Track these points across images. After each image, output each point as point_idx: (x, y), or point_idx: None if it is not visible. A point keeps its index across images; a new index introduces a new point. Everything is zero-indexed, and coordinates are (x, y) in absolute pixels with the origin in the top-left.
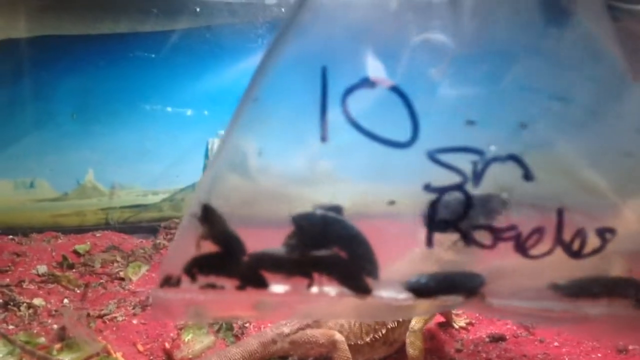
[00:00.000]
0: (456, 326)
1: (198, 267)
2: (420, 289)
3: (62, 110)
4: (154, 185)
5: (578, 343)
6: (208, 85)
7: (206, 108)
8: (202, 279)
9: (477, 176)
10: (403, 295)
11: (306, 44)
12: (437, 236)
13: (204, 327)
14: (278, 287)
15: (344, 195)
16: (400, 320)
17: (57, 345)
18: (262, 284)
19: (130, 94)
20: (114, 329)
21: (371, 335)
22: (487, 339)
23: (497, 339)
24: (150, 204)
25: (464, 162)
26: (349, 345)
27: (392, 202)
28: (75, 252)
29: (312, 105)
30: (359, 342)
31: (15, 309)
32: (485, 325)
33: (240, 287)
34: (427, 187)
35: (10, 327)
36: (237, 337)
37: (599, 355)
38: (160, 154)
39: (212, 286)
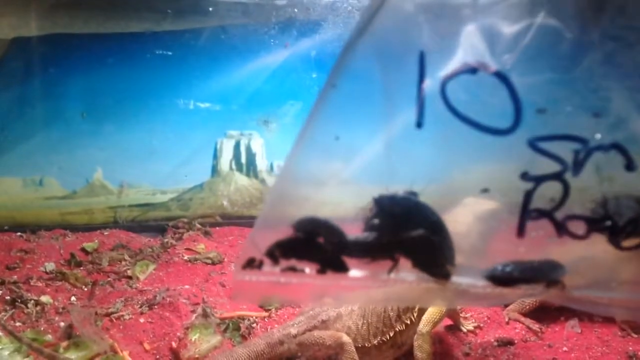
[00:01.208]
0: (464, 330)
1: (281, 250)
2: (502, 277)
3: (71, 109)
4: (163, 185)
5: (587, 348)
6: (218, 85)
7: (216, 108)
8: (284, 262)
9: (578, 165)
10: (482, 283)
11: (390, 28)
12: (529, 224)
13: (210, 326)
14: (358, 272)
15: (431, 182)
16: (409, 322)
17: (64, 343)
18: (342, 268)
19: (140, 93)
20: (121, 327)
21: (379, 338)
22: (495, 343)
23: (506, 343)
24: (159, 202)
25: (566, 151)
26: (357, 348)
27: (485, 190)
28: (83, 250)
29: (399, 92)
30: (366, 345)
31: (22, 306)
32: (493, 329)
33: (321, 271)
34: (525, 176)
35: (18, 324)
36: (244, 338)
37: None
38: (169, 154)
39: (293, 269)
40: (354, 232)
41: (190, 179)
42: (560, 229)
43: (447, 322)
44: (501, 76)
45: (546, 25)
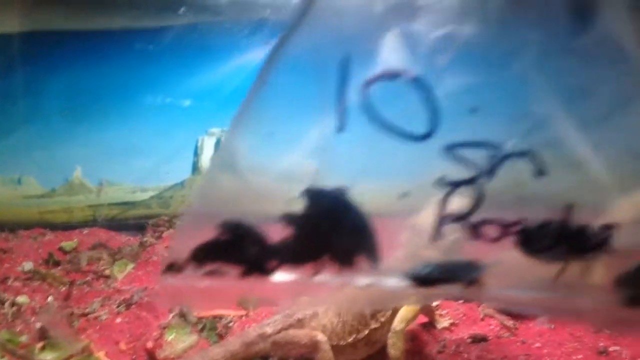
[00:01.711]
0: (439, 327)
1: (204, 252)
2: (422, 278)
3: (51, 107)
4: (143, 182)
5: (559, 344)
6: (199, 82)
7: (196, 105)
8: (208, 266)
9: (491, 170)
10: (404, 283)
11: (317, 35)
12: (445, 228)
13: (187, 326)
14: (283, 276)
15: (353, 187)
16: (383, 320)
17: (39, 344)
18: (266, 272)
19: (120, 90)
20: (97, 327)
21: (353, 336)
22: (469, 340)
23: (479, 339)
24: (139, 201)
25: (480, 157)
26: (332, 346)
27: (404, 195)
28: (62, 250)
29: (322, 97)
30: (341, 343)
31: None
32: (468, 326)
33: (245, 274)
34: (441, 181)
35: None
36: (220, 337)
37: (580, 356)
38: (149, 151)
39: (216, 272)
40: (282, 231)
41: (171, 176)
42: (475, 232)
43: (423, 319)
44: (420, 82)
45: (473, 30)
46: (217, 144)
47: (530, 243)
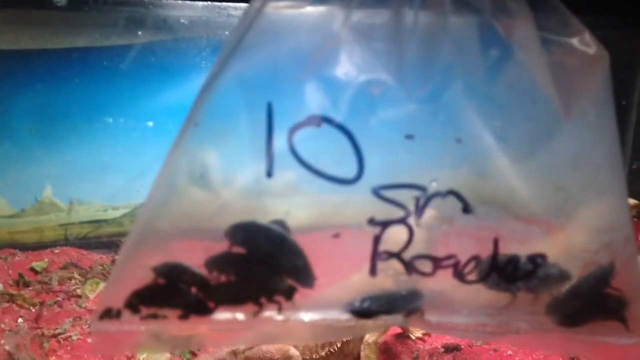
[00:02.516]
0: (413, 337)
1: (139, 298)
2: (362, 311)
3: (19, 126)
4: (114, 200)
5: (530, 352)
6: (169, 100)
7: (166, 122)
8: (144, 310)
9: (420, 210)
10: (345, 317)
11: (250, 67)
12: (380, 265)
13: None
14: (224, 314)
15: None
16: None
17: None
18: (206, 311)
19: (89, 108)
20: (69, 348)
21: (326, 349)
22: (442, 349)
23: (452, 349)
24: (111, 218)
25: (407, 197)
26: None
27: (336, 235)
28: (32, 270)
29: (255, 136)
30: (314, 357)
31: None
32: (441, 336)
33: (183, 316)
34: (372, 221)
35: None
36: (193, 354)
37: None
38: (120, 169)
39: (155, 316)
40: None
41: (143, 193)
42: (409, 268)
43: (396, 330)
44: (344, 129)
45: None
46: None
47: (462, 275)
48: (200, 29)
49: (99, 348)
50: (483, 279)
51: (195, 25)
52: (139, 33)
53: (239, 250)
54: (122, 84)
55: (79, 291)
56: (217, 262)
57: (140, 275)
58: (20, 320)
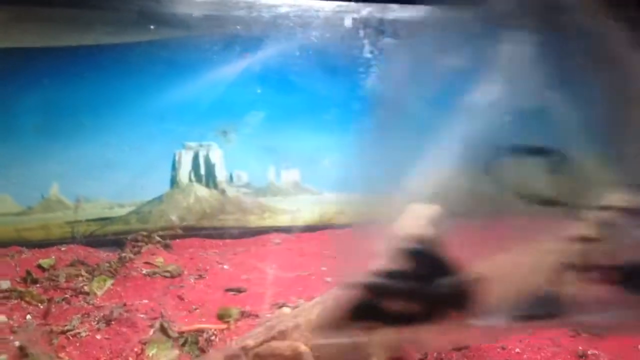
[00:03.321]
0: None
1: None
2: (525, 316)
3: (25, 124)
4: (120, 198)
5: (539, 349)
6: (174, 97)
7: (172, 120)
8: None
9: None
10: (506, 321)
11: None
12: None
13: (168, 341)
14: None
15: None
16: None
17: None
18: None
19: (94, 105)
20: (77, 344)
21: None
22: (450, 347)
23: (461, 347)
24: (117, 216)
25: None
26: (315, 357)
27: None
28: (40, 267)
29: None
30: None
31: None
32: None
33: None
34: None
35: None
36: (202, 351)
37: None
38: (126, 166)
39: None
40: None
41: (149, 191)
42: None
43: None
44: None
45: None
46: (195, 157)
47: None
48: (208, 26)
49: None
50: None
51: (204, 22)
52: (145, 30)
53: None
54: (129, 81)
55: (86, 288)
56: None
57: None
58: (28, 316)
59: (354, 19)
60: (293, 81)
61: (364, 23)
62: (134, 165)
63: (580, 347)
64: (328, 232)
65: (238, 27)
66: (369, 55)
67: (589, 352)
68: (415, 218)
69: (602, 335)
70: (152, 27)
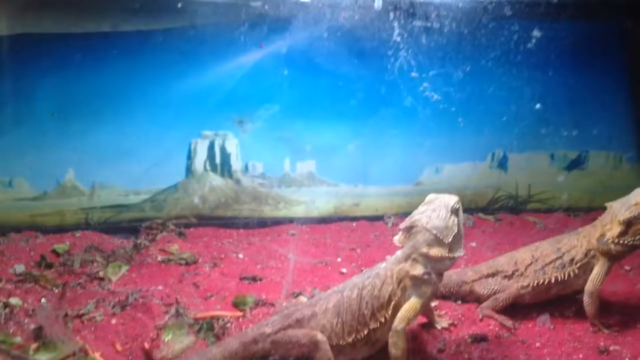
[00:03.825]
0: (439, 327)
1: None
2: None
3: (42, 109)
4: (136, 185)
5: (560, 344)
6: (192, 85)
7: (189, 108)
8: None
9: None
10: None
11: None
12: None
13: (184, 327)
14: None
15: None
16: (383, 320)
17: (34, 345)
18: None
19: (111, 93)
20: (92, 328)
21: (353, 336)
22: (469, 340)
23: (479, 339)
24: (132, 204)
25: None
26: (331, 346)
27: None
28: (54, 252)
29: None
30: (340, 343)
31: None
32: (467, 326)
33: None
34: None
35: None
36: (218, 338)
37: (581, 356)
38: (142, 154)
39: None
40: None
41: (164, 179)
42: None
43: (422, 319)
44: None
45: None
46: (211, 146)
47: None
48: (226, 14)
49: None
50: None
51: (217, 11)
52: (163, 18)
53: None
54: (146, 69)
55: (101, 274)
56: None
57: None
58: (43, 300)
59: (384, 1)
60: (319, 64)
61: (394, 5)
62: (149, 153)
63: (601, 343)
64: (343, 224)
65: (266, 7)
66: (398, 39)
67: (611, 348)
68: (437, 208)
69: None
70: (162, 17)
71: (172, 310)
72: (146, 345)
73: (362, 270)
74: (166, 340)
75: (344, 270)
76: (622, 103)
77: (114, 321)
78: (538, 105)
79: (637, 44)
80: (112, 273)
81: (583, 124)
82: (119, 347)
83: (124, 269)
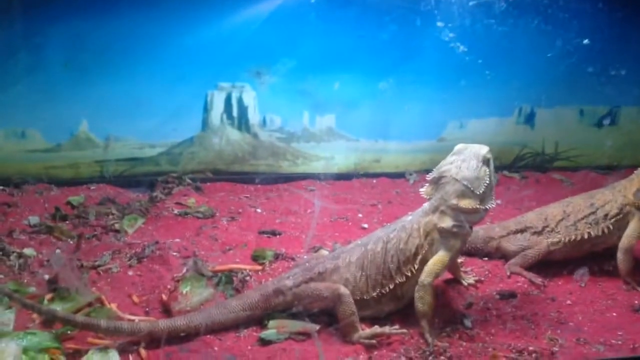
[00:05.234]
0: (465, 283)
1: None
2: None
3: (53, 59)
4: (151, 138)
5: (591, 302)
6: (207, 34)
7: (205, 59)
8: None
9: None
10: None
11: None
12: None
13: (202, 279)
14: None
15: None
16: (409, 275)
17: (48, 295)
18: None
19: (124, 42)
20: (108, 280)
21: (378, 290)
22: (497, 296)
23: (508, 295)
24: (147, 157)
25: None
26: (355, 300)
27: None
28: (69, 204)
29: None
30: (365, 297)
31: (5, 258)
32: (495, 283)
33: None
34: None
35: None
36: (237, 291)
37: (614, 314)
38: (157, 106)
39: None
40: None
41: (180, 133)
42: None
43: (448, 275)
44: None
45: None
46: (228, 99)
47: None
48: None
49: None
50: None
51: None
52: None
53: None
54: (160, 18)
55: (117, 226)
56: None
57: None
58: (58, 251)
59: None
60: (340, 15)
61: None
62: (164, 106)
63: (636, 301)
64: (364, 181)
65: None
66: None
67: None
68: (467, 158)
69: None
70: None
71: (190, 263)
72: (164, 297)
73: (385, 225)
74: (184, 292)
75: (365, 225)
76: None
77: (130, 273)
78: (568, 58)
79: None
80: (128, 225)
81: (614, 78)
82: (135, 298)
83: (140, 221)
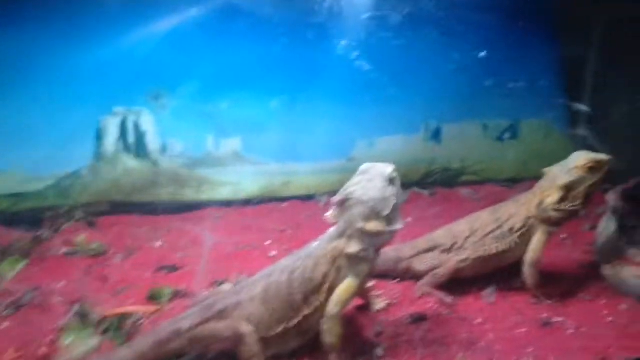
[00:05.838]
0: (376, 308)
1: None
2: None
3: None
4: (37, 171)
5: (502, 319)
6: (99, 55)
7: (97, 81)
8: None
9: None
10: None
11: None
12: None
13: (88, 327)
14: None
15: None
16: (317, 304)
17: None
18: None
19: (6, 64)
20: None
21: (283, 325)
22: (408, 320)
23: (419, 319)
24: (32, 191)
25: None
26: (259, 338)
27: None
28: None
29: None
30: (270, 334)
31: None
32: (406, 306)
33: None
34: None
35: None
36: (129, 337)
37: (524, 330)
38: (45, 135)
39: None
40: None
41: (70, 163)
42: None
43: (357, 302)
44: None
45: None
46: (123, 124)
47: None
48: None
49: None
50: None
51: None
52: None
53: None
54: (50, 34)
55: None
56: None
57: None
58: None
59: None
60: (243, 32)
61: None
62: (53, 134)
63: (544, 315)
64: (273, 205)
65: None
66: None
67: (553, 320)
68: (372, 178)
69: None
70: None
71: (75, 308)
72: (42, 351)
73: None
74: (66, 343)
75: (273, 253)
76: (553, 70)
77: (6, 324)
78: (468, 72)
79: (564, 10)
80: (7, 270)
81: (513, 91)
82: (12, 353)
83: (22, 264)
